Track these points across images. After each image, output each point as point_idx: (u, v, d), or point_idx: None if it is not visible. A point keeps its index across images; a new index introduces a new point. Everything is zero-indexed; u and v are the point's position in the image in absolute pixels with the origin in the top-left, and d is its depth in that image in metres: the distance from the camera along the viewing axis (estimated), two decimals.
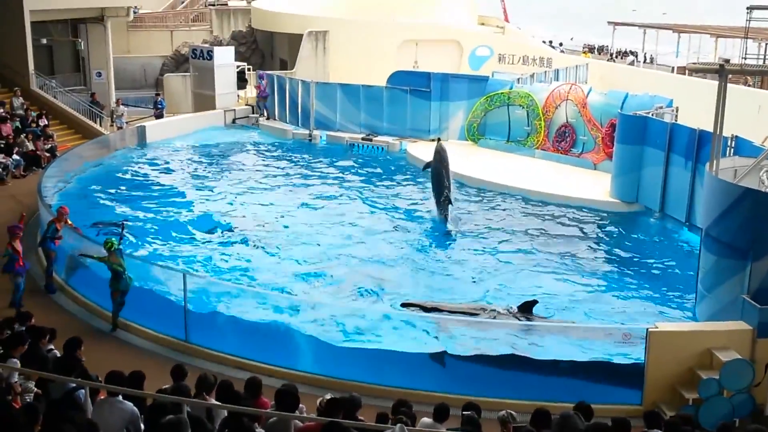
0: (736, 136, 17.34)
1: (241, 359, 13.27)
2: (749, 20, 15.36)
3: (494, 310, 14.80)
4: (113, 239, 14.64)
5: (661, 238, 19.89)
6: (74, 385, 8.59)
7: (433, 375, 12.82)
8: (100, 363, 10.26)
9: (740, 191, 13.09)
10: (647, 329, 12.02)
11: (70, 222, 16.62)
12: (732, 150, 17.05)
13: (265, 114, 31.45)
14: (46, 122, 28.11)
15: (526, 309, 14.79)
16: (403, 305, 15.32)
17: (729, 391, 11.49)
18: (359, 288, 16.18)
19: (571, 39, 67.61)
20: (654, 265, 17.94)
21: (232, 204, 21.85)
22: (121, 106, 31.57)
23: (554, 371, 12.44)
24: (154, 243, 18.60)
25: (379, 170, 25.75)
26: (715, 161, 14.12)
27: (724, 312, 13.26)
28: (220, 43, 39.36)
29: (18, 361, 9.64)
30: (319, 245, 18.79)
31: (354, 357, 13.09)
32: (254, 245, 18.69)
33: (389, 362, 12.94)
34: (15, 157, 24.45)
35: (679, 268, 17.52)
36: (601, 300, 16.15)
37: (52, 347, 10.63)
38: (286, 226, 20.14)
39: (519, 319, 14.37)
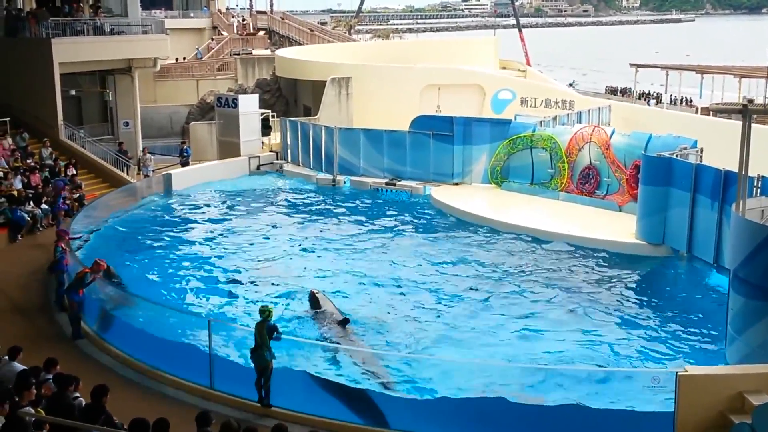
0: (763, 176, 17.21)
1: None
2: None
3: None
4: (271, 306, 13.42)
5: (689, 279, 19.66)
6: None
7: None
8: (124, 410, 10.27)
9: (767, 232, 12.95)
10: (677, 372, 11.83)
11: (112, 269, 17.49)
12: (758, 190, 16.89)
13: None
14: (75, 171, 28.53)
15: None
16: (312, 294, 17.04)
17: None
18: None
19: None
20: (682, 307, 17.69)
21: (257, 251, 21.89)
22: (148, 155, 31.97)
23: None
24: (179, 290, 18.69)
25: (404, 215, 25.69)
26: (741, 201, 14.01)
27: (754, 354, 13.03)
28: (244, 91, 39.96)
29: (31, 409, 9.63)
30: (347, 294, 18.74)
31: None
32: (278, 291, 18.71)
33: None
34: (44, 206, 24.79)
35: (708, 310, 17.27)
36: (628, 342, 15.94)
37: (78, 395, 10.66)
38: (321, 275, 20.10)
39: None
